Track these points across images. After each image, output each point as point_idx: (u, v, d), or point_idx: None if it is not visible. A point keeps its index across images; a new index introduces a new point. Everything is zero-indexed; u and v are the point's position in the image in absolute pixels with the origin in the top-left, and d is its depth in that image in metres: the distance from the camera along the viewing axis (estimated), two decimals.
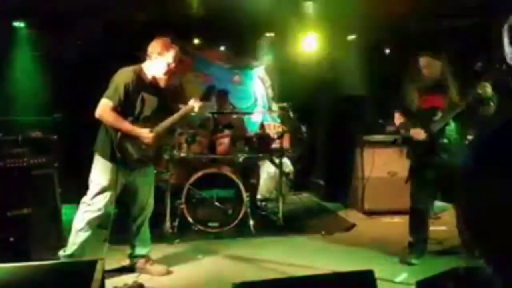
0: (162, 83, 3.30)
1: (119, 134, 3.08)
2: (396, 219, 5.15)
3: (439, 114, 3.53)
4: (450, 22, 5.97)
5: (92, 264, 2.02)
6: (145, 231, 3.46)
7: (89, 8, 5.69)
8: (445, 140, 3.53)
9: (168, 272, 3.50)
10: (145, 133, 3.15)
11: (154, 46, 3.21)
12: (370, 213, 5.34)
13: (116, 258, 3.70)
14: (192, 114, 3.47)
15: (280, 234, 4.57)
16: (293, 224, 4.88)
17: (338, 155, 6.12)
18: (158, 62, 3.21)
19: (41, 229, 3.60)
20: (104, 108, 3.07)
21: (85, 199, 3.18)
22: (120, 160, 3.10)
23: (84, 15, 5.84)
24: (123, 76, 3.13)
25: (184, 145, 4.70)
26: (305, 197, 6.46)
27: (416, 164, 3.70)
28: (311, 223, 5.06)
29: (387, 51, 7.04)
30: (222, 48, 6.88)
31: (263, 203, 5.68)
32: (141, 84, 3.17)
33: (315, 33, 6.90)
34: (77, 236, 3.17)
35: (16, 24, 5.84)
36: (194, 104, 3.33)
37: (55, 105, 5.08)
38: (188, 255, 3.95)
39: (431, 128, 3.54)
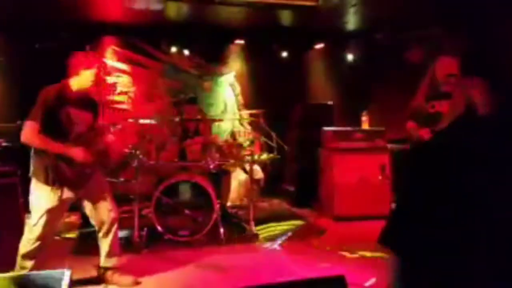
0: (91, 94, 3.25)
1: (51, 156, 3.00)
2: (366, 224, 5.23)
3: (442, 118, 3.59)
4: (416, 32, 6.15)
5: (60, 275, 1.95)
6: (112, 242, 3.37)
7: (56, 13, 5.59)
8: None
9: (136, 283, 3.44)
10: (78, 152, 3.05)
11: (80, 61, 3.16)
12: (340, 219, 5.41)
13: (83, 269, 3.61)
14: None
15: (251, 241, 4.57)
16: (264, 231, 4.89)
17: (308, 162, 6.18)
18: (84, 76, 3.15)
19: (2, 241, 3.46)
20: (29, 131, 2.95)
21: (29, 224, 3.08)
22: (59, 181, 3.02)
23: (51, 20, 5.73)
24: (42, 94, 3.04)
25: (154, 153, 4.64)
26: (276, 204, 6.49)
27: None
28: (281, 229, 5.07)
29: (354, 60, 7.19)
30: (192, 54, 6.86)
31: (234, 210, 5.67)
32: (65, 99, 3.08)
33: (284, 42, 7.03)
34: (23, 262, 3.06)
35: None
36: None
37: (19, 112, 4.92)
38: (157, 264, 3.89)
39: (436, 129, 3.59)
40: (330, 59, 7.38)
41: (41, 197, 3.04)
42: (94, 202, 3.27)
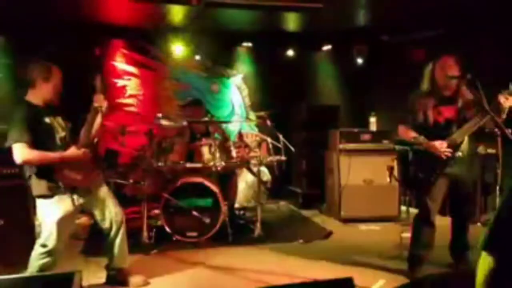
0: (55, 102, 3.19)
1: (53, 167, 3.00)
2: (372, 226, 5.24)
3: (455, 127, 3.41)
4: (423, 33, 6.13)
5: (69, 276, 1.98)
6: (121, 243, 3.39)
7: (63, 15, 5.64)
8: (460, 153, 3.41)
9: (146, 283, 3.47)
10: (74, 152, 3.06)
11: (40, 72, 3.10)
12: (347, 221, 5.40)
13: (91, 270, 3.65)
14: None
15: (258, 243, 4.57)
16: (271, 232, 4.90)
17: (314, 163, 6.19)
18: (45, 86, 3.10)
19: (11, 242, 3.50)
20: (22, 151, 2.91)
21: (40, 240, 3.06)
22: (64, 189, 3.02)
23: (57, 22, 5.77)
24: (18, 114, 3.01)
25: (162, 155, 4.66)
26: (282, 205, 6.49)
27: (429, 176, 3.46)
28: (289, 231, 5.08)
29: (360, 61, 7.16)
30: (199, 57, 6.89)
31: (241, 212, 5.68)
32: (38, 112, 3.07)
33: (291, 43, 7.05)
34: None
35: None
36: (100, 103, 3.20)
37: None
38: (166, 265, 3.91)
39: (454, 139, 3.39)
40: (336, 61, 7.37)
41: (49, 211, 3.04)
42: (99, 205, 3.29)
